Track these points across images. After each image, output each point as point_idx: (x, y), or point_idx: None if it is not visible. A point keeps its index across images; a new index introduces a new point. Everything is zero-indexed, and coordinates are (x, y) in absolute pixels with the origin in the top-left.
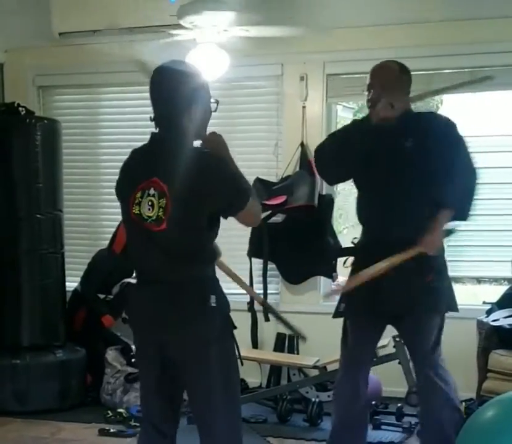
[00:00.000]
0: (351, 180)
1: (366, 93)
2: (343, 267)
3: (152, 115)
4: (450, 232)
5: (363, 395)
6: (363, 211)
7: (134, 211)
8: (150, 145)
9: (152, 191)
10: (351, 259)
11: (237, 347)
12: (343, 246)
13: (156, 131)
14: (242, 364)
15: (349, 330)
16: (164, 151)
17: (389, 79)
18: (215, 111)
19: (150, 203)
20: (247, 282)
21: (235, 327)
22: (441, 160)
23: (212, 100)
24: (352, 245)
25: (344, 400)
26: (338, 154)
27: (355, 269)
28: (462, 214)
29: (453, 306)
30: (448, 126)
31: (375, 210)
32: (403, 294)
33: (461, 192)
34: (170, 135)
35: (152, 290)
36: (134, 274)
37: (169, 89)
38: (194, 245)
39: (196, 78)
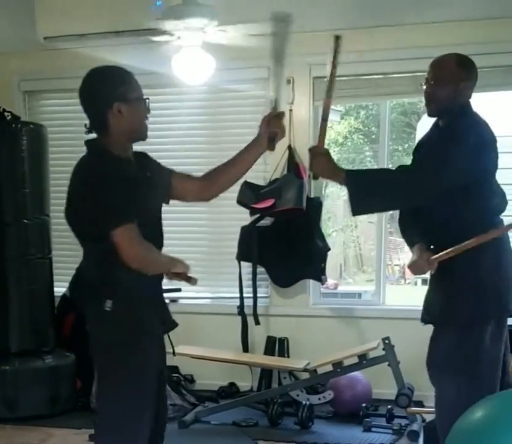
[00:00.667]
0: None
1: (424, 87)
2: (359, 266)
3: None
4: None
5: None
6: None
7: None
8: None
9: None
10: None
11: (150, 358)
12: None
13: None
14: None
15: None
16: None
17: (444, 72)
18: (149, 112)
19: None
20: (237, 286)
21: (148, 335)
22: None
23: (145, 98)
24: None
25: None
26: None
27: None
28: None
29: (477, 317)
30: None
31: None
32: (432, 301)
33: (377, 180)
34: (94, 138)
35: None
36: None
37: (90, 88)
38: (93, 255)
39: (117, 75)
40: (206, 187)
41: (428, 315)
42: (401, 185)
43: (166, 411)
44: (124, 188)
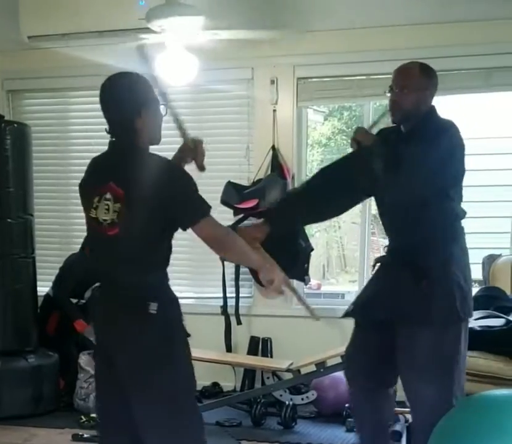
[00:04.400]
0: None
1: (388, 94)
2: (342, 266)
3: (107, 127)
4: None
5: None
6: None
7: (91, 215)
8: (108, 151)
9: (108, 195)
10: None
11: (188, 355)
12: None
13: (113, 139)
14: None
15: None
16: (119, 156)
17: (410, 81)
18: (165, 114)
19: (106, 207)
20: (220, 286)
21: (188, 335)
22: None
23: (161, 103)
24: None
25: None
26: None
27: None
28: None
29: (450, 317)
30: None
31: (389, 219)
32: (393, 300)
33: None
34: (124, 140)
35: (105, 292)
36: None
37: (120, 93)
38: (144, 250)
39: (145, 82)
40: None
41: (387, 312)
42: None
43: None
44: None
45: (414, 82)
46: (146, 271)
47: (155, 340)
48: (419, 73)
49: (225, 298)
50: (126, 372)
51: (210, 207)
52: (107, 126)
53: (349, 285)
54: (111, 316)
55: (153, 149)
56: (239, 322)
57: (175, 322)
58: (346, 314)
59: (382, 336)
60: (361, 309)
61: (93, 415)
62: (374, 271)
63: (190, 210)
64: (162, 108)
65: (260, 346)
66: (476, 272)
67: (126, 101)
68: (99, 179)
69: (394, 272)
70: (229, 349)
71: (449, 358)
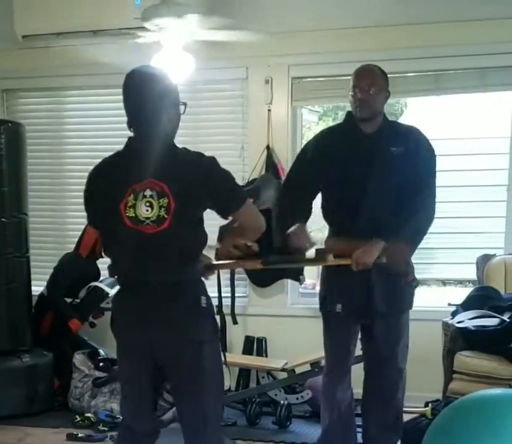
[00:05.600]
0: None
1: (351, 93)
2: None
3: (128, 120)
4: (416, 283)
5: (351, 396)
6: (332, 213)
7: (127, 214)
8: (127, 149)
9: (148, 192)
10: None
11: (224, 348)
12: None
13: (133, 135)
14: (226, 366)
15: (333, 332)
16: (150, 152)
17: (375, 80)
18: (183, 113)
19: (147, 204)
20: (215, 285)
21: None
22: (416, 176)
23: (180, 102)
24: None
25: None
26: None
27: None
28: (411, 248)
29: (411, 304)
30: (430, 152)
31: (346, 213)
32: (389, 293)
33: (416, 229)
34: (152, 136)
35: (142, 293)
36: (101, 278)
37: (146, 90)
38: (196, 243)
39: (167, 80)
40: None
41: (378, 307)
42: (432, 215)
43: None
44: None
45: (380, 82)
46: (192, 265)
47: (206, 332)
48: (381, 74)
49: (220, 297)
50: (179, 366)
51: (244, 190)
52: (126, 120)
53: None
54: (154, 316)
55: None
56: (235, 322)
57: (215, 315)
58: (335, 314)
59: (356, 328)
60: (350, 306)
61: (87, 414)
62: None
63: (235, 196)
64: (181, 106)
65: (254, 345)
66: (470, 272)
67: (154, 98)
68: (129, 177)
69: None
70: (224, 348)
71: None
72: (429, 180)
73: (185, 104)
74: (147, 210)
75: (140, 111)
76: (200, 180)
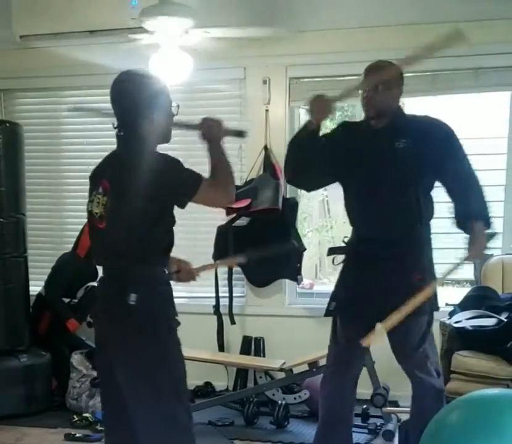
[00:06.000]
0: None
1: (360, 91)
2: (333, 265)
3: (114, 122)
4: (491, 237)
5: (352, 394)
6: (352, 212)
7: (88, 208)
8: (116, 148)
9: (100, 190)
10: (340, 257)
11: (175, 353)
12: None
13: (121, 134)
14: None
15: (339, 329)
16: (118, 153)
17: (381, 78)
18: (176, 114)
19: (97, 200)
20: (213, 285)
21: (171, 332)
22: (438, 166)
23: (173, 104)
24: (343, 245)
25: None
26: (318, 162)
27: (345, 267)
28: (487, 221)
29: (436, 305)
30: (449, 135)
31: (364, 211)
32: (389, 293)
33: (479, 201)
34: (129, 139)
35: (101, 282)
36: (98, 278)
37: (129, 93)
38: (130, 242)
39: (155, 83)
40: None
41: (379, 306)
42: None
43: None
44: None
45: (388, 79)
46: (131, 263)
47: (134, 331)
48: (390, 70)
49: (217, 297)
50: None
51: (198, 176)
52: (114, 122)
53: None
54: (103, 308)
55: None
56: (232, 322)
57: (158, 313)
58: (330, 313)
59: (362, 329)
60: (347, 305)
61: (85, 414)
62: (342, 263)
63: (179, 188)
64: (174, 108)
65: (252, 345)
66: (468, 272)
67: (137, 101)
68: (97, 174)
69: (379, 265)
70: (221, 348)
71: (432, 337)
72: (455, 158)
73: (178, 106)
74: (97, 206)
75: (124, 113)
76: (143, 181)
